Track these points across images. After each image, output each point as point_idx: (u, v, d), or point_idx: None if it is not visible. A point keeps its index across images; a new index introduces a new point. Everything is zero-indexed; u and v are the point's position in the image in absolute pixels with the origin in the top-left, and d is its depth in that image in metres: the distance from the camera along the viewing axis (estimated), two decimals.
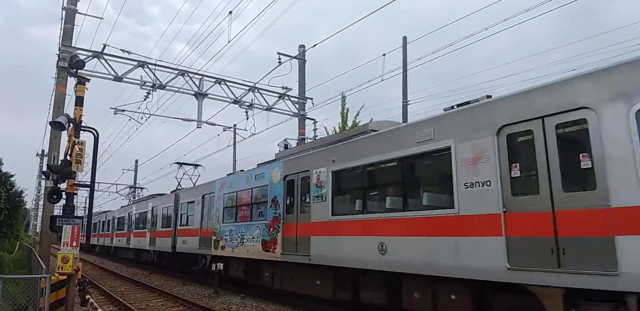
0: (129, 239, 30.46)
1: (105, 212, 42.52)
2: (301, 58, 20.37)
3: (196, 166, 26.45)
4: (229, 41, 16.84)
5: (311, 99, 20.76)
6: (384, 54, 16.15)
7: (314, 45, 16.24)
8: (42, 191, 24.99)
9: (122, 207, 36.78)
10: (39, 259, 12.02)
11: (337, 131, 23.40)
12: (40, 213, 40.58)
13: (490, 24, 12.99)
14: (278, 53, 18.03)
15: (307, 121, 20.77)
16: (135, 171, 51.72)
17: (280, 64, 17.88)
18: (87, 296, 9.45)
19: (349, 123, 23.30)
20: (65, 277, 8.03)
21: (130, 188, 49.63)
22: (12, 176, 26.38)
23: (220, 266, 16.20)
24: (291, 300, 13.07)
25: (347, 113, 23.48)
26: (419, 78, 28.90)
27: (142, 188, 49.10)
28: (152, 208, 25.55)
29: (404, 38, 18.30)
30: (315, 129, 20.97)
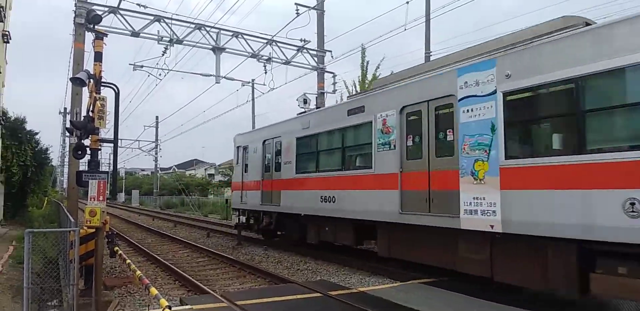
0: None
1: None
2: (319, 8, 19.69)
3: None
4: None
5: (330, 51, 20.22)
6: (407, 2, 15.46)
7: None
8: (67, 148, 25.58)
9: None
10: (67, 213, 12.38)
11: (357, 85, 22.97)
12: (66, 169, 41.92)
13: None
14: (296, 4, 17.44)
15: (326, 75, 20.37)
16: (157, 128, 52.32)
17: (298, 16, 17.32)
18: (116, 248, 9.74)
19: (369, 76, 22.78)
20: (93, 230, 8.25)
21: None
22: (36, 133, 26.98)
23: (243, 219, 16.65)
24: (311, 251, 13.38)
25: (367, 66, 22.92)
26: (442, 28, 27.91)
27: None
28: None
29: None
30: (334, 83, 20.56)
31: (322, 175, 11.88)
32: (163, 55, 17.62)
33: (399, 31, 16.01)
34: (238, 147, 17.55)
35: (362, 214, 10.26)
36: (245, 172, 16.74)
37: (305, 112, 14.67)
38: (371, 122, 10.04)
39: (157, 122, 52.49)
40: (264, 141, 15.29)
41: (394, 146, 9.34)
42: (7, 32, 19.63)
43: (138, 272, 7.82)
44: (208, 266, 12.45)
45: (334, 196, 11.21)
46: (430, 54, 17.47)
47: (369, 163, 10.15)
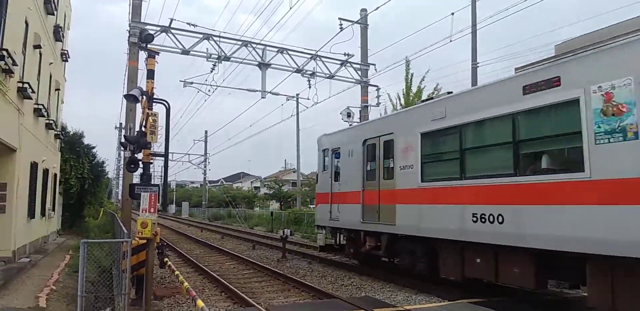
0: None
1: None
2: (363, 23, 19.83)
3: None
4: (290, 8, 16.68)
5: (374, 65, 20.33)
6: (453, 13, 15.34)
7: (377, 8, 15.64)
8: (122, 161, 26.73)
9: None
10: (121, 224, 12.87)
11: (402, 98, 22.84)
12: (121, 182, 43.76)
13: None
14: (339, 18, 17.67)
15: (370, 88, 20.42)
16: (206, 142, 53.83)
17: (341, 30, 17.49)
18: (166, 259, 10.05)
19: (414, 89, 22.65)
20: (145, 241, 8.53)
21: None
22: (93, 147, 28.41)
23: (288, 232, 16.78)
24: (355, 266, 13.27)
25: (411, 78, 22.79)
26: (489, 38, 27.45)
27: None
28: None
29: None
30: (378, 96, 20.55)
31: (475, 183, 8.63)
32: (212, 71, 18.27)
33: (444, 43, 15.86)
34: (324, 150, 14.79)
35: (561, 244, 6.84)
36: (336, 181, 13.87)
37: (431, 98, 11.40)
38: (577, 100, 6.83)
39: (205, 137, 54.03)
40: (365, 140, 12.35)
41: (635, 133, 6.12)
42: (65, 51, 20.83)
43: (186, 284, 8.00)
44: (253, 278, 12.58)
45: (499, 214, 7.91)
46: (478, 64, 17.22)
47: (575, 164, 6.87)
